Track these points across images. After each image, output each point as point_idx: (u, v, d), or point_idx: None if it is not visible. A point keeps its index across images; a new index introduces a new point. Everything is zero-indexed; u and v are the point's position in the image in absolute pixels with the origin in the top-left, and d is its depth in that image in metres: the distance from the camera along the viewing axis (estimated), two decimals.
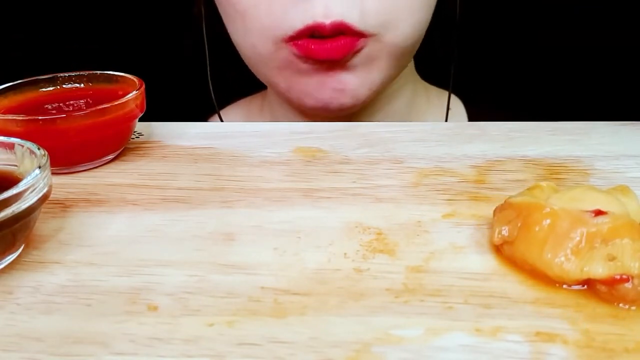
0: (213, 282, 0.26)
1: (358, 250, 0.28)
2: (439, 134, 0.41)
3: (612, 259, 0.24)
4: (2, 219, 0.25)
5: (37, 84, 0.40)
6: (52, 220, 0.31)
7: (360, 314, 0.24)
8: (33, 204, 0.27)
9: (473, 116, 0.56)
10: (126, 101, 0.37)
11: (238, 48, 0.48)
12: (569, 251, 0.25)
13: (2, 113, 0.37)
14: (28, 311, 0.25)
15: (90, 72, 0.41)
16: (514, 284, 0.25)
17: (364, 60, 0.44)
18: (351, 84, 0.44)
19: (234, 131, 0.42)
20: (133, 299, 0.25)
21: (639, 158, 0.36)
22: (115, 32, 0.65)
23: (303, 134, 0.41)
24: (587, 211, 0.26)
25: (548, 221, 0.26)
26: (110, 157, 0.38)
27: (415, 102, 0.54)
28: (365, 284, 0.26)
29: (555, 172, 0.35)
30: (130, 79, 0.40)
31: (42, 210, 0.29)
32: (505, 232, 0.27)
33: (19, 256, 0.28)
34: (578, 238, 0.25)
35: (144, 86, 0.39)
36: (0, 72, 0.43)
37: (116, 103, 0.36)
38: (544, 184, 0.29)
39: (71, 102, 0.40)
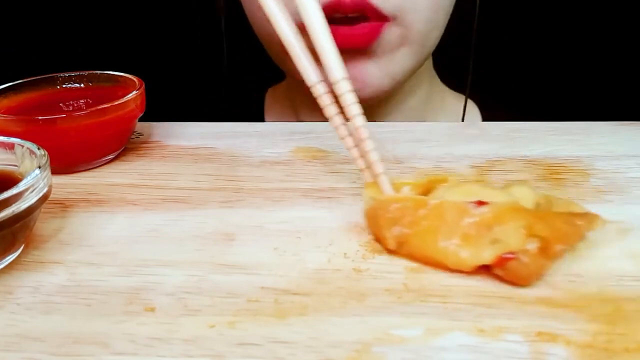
0: (213, 282, 0.26)
1: (358, 251, 0.28)
2: (439, 134, 0.41)
3: (495, 242, 0.25)
4: (2, 219, 0.25)
5: (37, 84, 0.40)
6: (52, 220, 0.31)
7: (361, 314, 0.24)
8: (33, 204, 0.27)
9: (488, 121, 0.55)
10: (126, 101, 0.37)
11: (259, 38, 0.48)
12: (459, 240, 0.26)
13: (2, 113, 0.37)
14: (28, 311, 0.25)
15: (90, 72, 0.41)
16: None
17: (387, 49, 0.43)
18: (373, 74, 0.44)
19: (234, 131, 0.42)
20: (133, 299, 0.25)
21: (639, 158, 0.36)
22: (115, 32, 0.65)
23: (303, 134, 0.41)
24: (471, 202, 0.27)
25: (435, 213, 0.27)
26: (110, 157, 0.38)
27: (431, 100, 0.54)
28: (365, 284, 0.26)
29: (555, 172, 0.35)
30: (130, 79, 0.40)
31: (42, 210, 0.29)
32: (397, 233, 0.27)
33: (19, 256, 0.28)
34: (465, 227, 0.26)
35: (143, 86, 0.39)
36: (0, 72, 0.43)
37: (116, 103, 0.36)
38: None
39: (71, 102, 0.40)
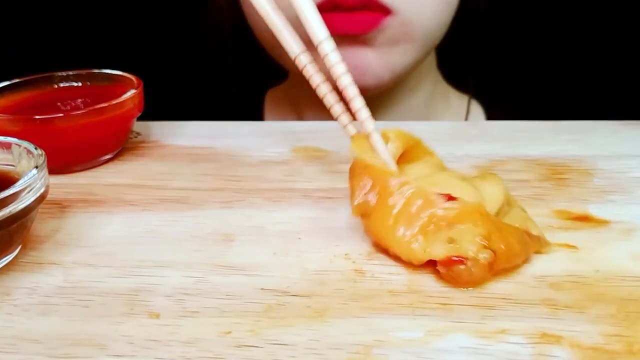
0: (212, 284, 0.26)
1: (359, 252, 0.28)
2: (441, 133, 0.41)
3: (451, 241, 0.25)
4: None
5: (34, 82, 0.40)
6: (49, 221, 0.31)
7: (361, 315, 0.24)
8: (30, 204, 0.27)
9: (492, 120, 0.55)
10: (124, 100, 0.37)
11: (257, 34, 0.47)
12: (417, 230, 0.26)
13: None
14: (25, 312, 0.25)
15: (89, 70, 0.41)
16: (516, 285, 0.25)
17: (387, 40, 0.43)
18: (373, 62, 0.44)
19: (233, 131, 0.42)
20: (131, 301, 0.25)
21: None
22: (115, 31, 0.65)
23: (303, 134, 0.41)
24: (440, 194, 0.26)
25: (402, 200, 0.26)
26: (108, 156, 0.38)
27: (435, 100, 0.54)
28: (366, 285, 0.26)
29: (557, 172, 0.35)
30: (128, 78, 0.40)
31: (40, 210, 0.29)
32: (362, 203, 0.27)
33: (16, 257, 0.28)
34: (427, 219, 0.26)
35: (142, 85, 0.39)
36: (0, 72, 0.42)
37: (114, 102, 0.36)
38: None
39: (69, 101, 0.39)
